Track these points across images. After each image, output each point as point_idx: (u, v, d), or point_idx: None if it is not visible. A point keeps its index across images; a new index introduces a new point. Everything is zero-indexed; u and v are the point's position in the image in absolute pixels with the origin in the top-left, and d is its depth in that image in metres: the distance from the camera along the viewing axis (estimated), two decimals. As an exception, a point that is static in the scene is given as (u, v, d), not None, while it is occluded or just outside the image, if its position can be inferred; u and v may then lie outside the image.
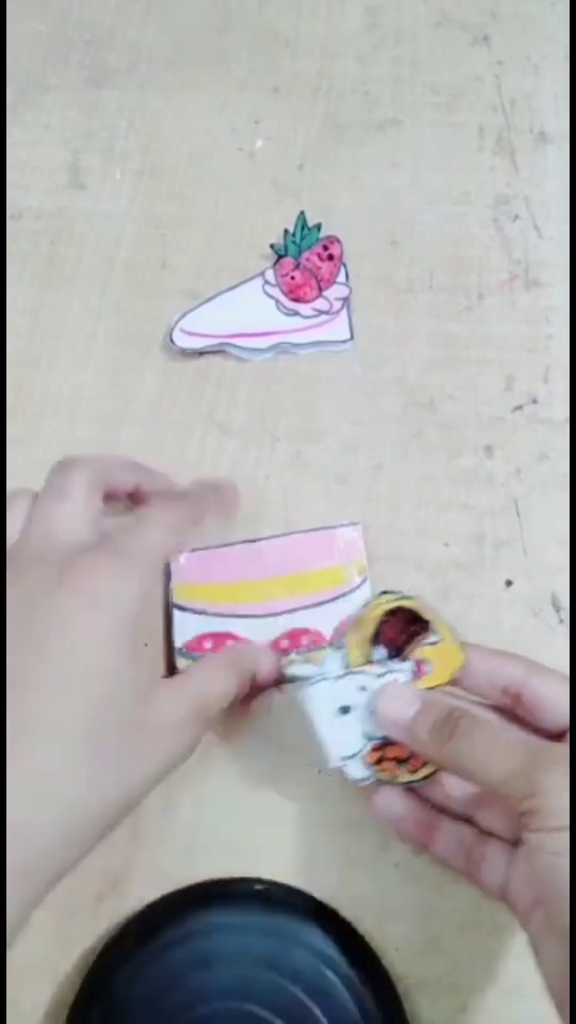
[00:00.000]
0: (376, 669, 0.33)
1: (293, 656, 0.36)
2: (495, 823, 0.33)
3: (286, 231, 0.47)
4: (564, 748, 0.28)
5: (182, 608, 0.38)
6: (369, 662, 0.34)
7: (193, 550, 0.38)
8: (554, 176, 0.49)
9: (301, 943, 0.36)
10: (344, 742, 0.33)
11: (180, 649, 0.37)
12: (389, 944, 0.36)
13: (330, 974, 0.35)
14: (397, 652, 0.34)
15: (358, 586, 0.38)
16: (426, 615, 0.34)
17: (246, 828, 0.38)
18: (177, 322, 0.46)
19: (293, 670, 0.35)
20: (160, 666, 0.37)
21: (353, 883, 0.37)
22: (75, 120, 0.52)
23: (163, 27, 0.54)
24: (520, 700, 0.33)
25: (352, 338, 0.46)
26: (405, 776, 0.33)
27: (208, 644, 0.37)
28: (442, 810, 0.35)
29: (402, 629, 0.35)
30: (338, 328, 0.46)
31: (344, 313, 0.46)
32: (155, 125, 0.52)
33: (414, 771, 0.33)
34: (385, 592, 0.35)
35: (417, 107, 0.51)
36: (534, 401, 0.45)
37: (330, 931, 0.36)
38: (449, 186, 0.49)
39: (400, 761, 0.33)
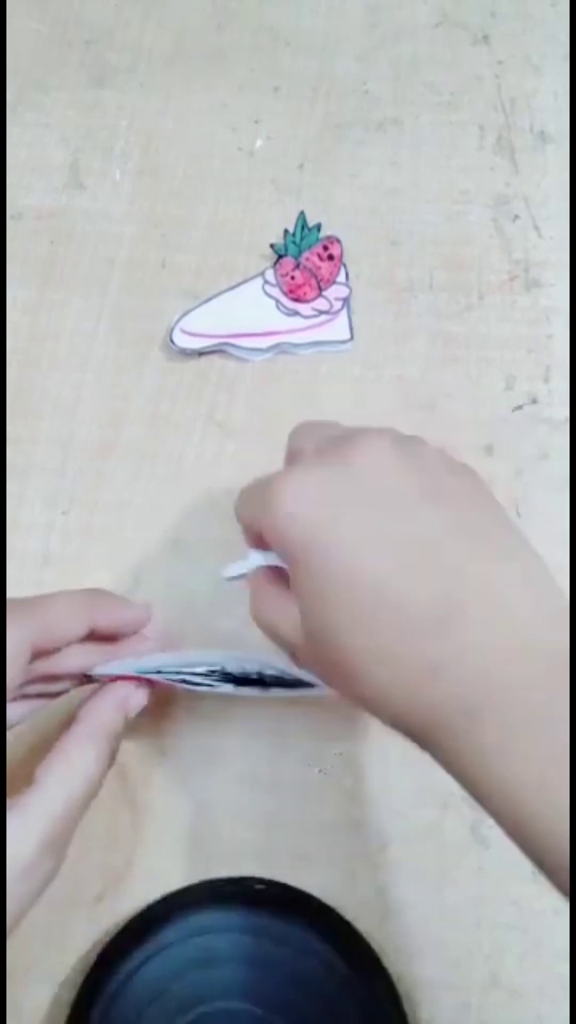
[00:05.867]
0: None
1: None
2: None
3: (286, 231, 0.47)
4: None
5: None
6: None
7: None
8: (554, 176, 0.49)
9: (301, 943, 0.36)
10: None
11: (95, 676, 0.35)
12: (389, 944, 0.36)
13: (330, 974, 0.35)
14: None
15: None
16: None
17: (246, 828, 0.38)
18: (177, 322, 0.46)
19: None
20: None
21: (353, 883, 0.37)
22: (75, 120, 0.52)
23: (163, 27, 0.54)
24: None
25: (352, 338, 0.46)
26: None
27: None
28: None
29: None
30: (338, 328, 0.46)
31: (344, 313, 0.46)
32: (155, 125, 0.52)
33: None
34: None
35: (417, 107, 0.51)
36: (534, 401, 0.45)
37: (330, 931, 0.36)
38: (449, 186, 0.49)
39: None
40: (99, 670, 0.34)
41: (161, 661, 0.35)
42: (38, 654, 0.32)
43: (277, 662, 0.34)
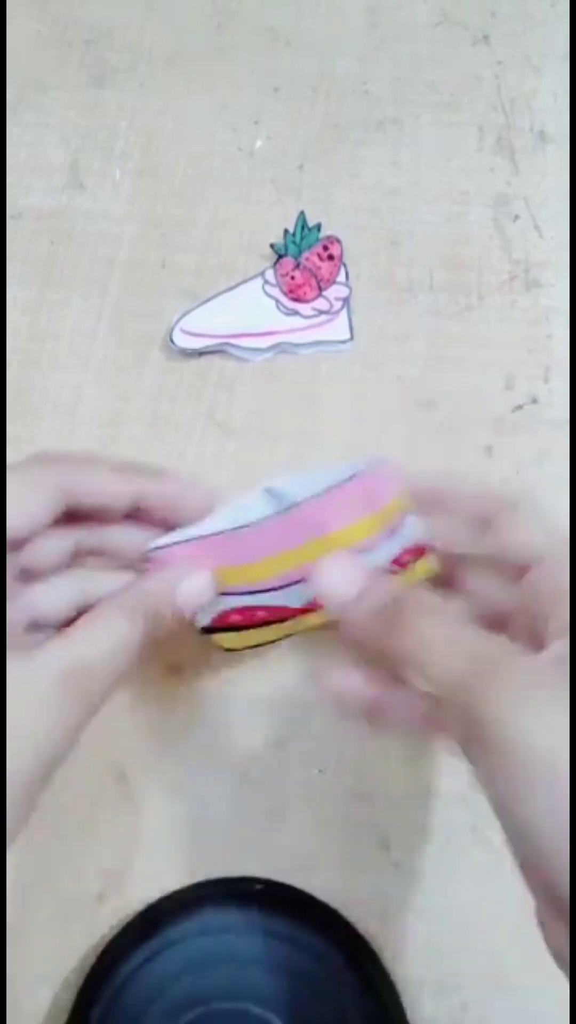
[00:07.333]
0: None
1: None
2: None
3: (286, 231, 0.47)
4: (521, 662, 0.24)
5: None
6: None
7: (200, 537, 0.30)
8: (554, 176, 0.49)
9: (300, 943, 0.36)
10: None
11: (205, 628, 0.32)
12: (389, 944, 0.36)
13: (330, 974, 0.35)
14: None
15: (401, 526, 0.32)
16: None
17: (246, 828, 0.38)
18: (177, 322, 0.46)
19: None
20: None
21: (353, 883, 0.37)
22: (75, 120, 0.52)
23: (163, 27, 0.54)
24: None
25: (352, 338, 0.46)
26: None
27: (236, 618, 0.32)
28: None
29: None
30: (338, 328, 0.46)
31: (344, 313, 0.46)
32: (155, 125, 0.52)
33: None
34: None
35: (417, 107, 0.51)
36: (534, 401, 0.45)
37: (330, 931, 0.36)
38: (449, 186, 0.49)
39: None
40: (157, 542, 0.29)
41: (219, 523, 0.30)
42: (71, 511, 0.27)
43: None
